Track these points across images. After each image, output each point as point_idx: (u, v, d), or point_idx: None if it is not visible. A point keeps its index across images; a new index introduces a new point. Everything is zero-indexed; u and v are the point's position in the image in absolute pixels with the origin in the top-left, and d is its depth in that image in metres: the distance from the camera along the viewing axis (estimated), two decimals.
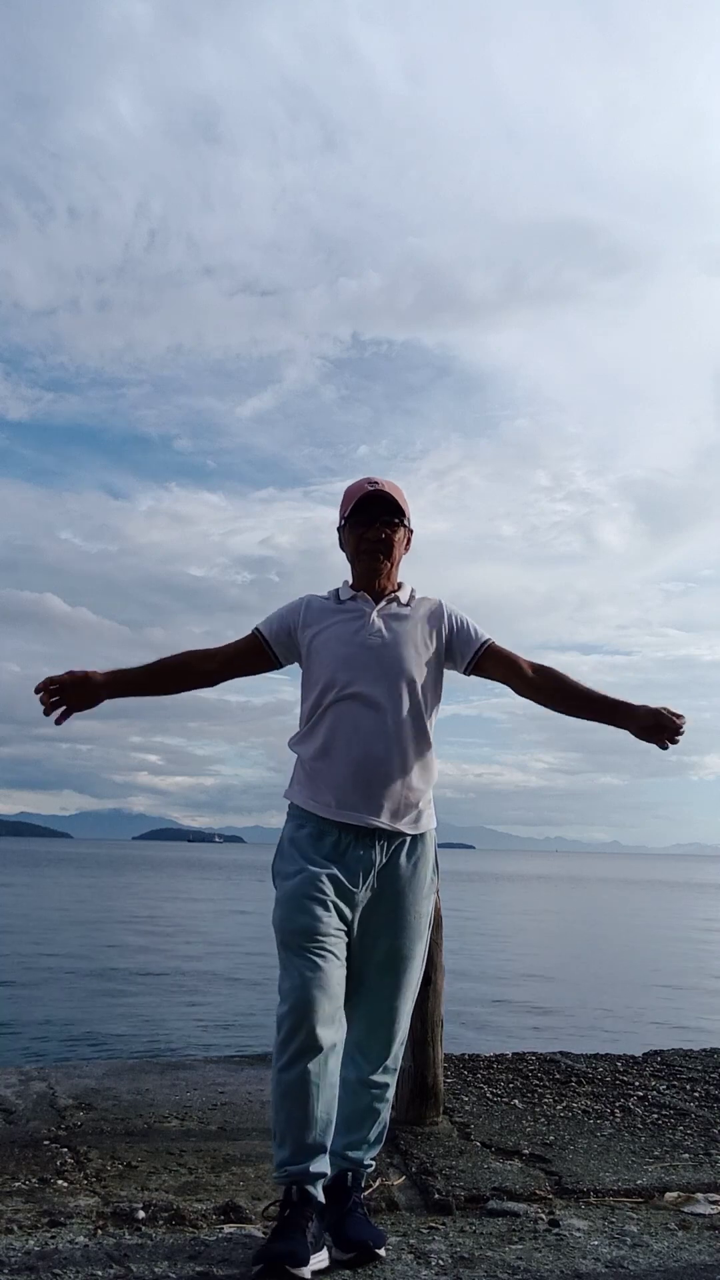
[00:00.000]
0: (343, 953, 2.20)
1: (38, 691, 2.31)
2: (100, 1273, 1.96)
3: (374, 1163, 2.39)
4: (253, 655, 2.44)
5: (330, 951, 2.15)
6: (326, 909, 2.17)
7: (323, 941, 2.14)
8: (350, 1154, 2.28)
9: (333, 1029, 2.12)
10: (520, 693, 2.42)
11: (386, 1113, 2.34)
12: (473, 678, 2.47)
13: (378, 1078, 2.30)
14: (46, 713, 2.32)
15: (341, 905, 2.20)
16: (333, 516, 2.49)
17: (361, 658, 2.30)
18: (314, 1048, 2.07)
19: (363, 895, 2.24)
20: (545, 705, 2.44)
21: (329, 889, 2.18)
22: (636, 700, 2.33)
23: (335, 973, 2.15)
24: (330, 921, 2.17)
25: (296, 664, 2.45)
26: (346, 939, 2.22)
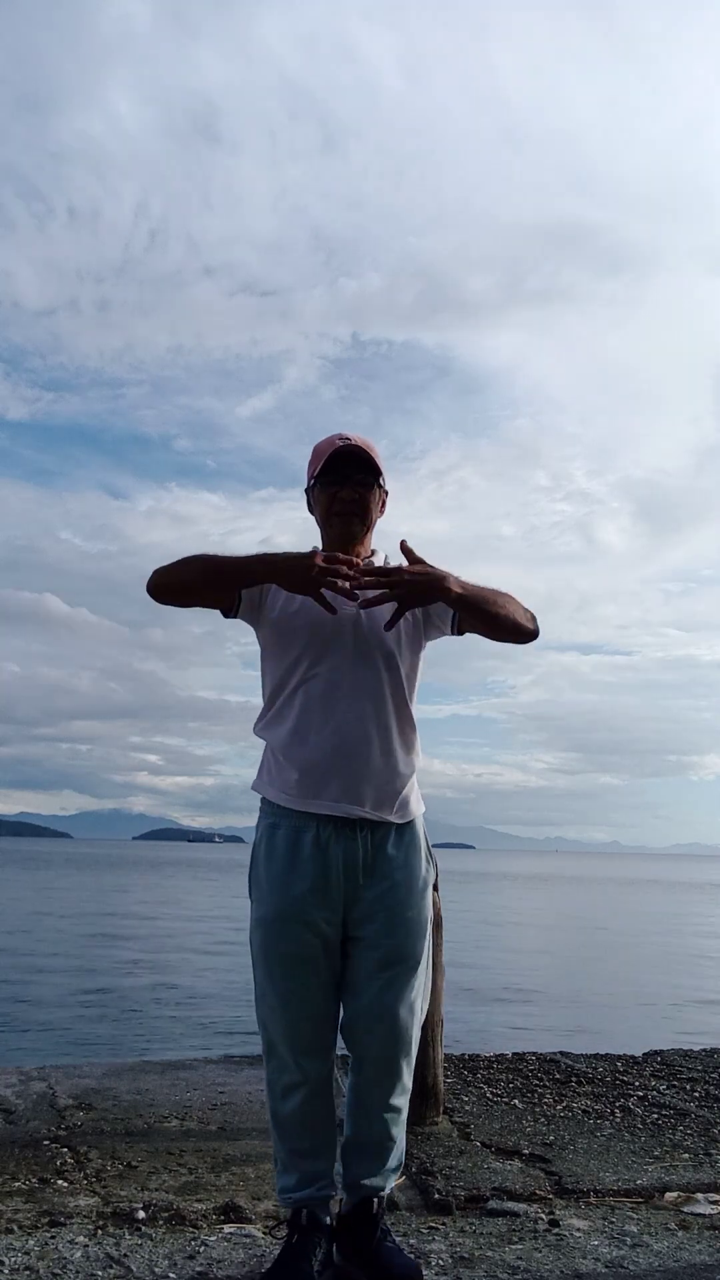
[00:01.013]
0: (330, 974, 2.04)
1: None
2: (100, 1273, 1.97)
3: (394, 1188, 2.21)
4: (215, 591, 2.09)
5: (315, 976, 2.01)
6: (311, 930, 2.00)
7: (307, 967, 2.00)
8: (367, 1182, 2.06)
9: (322, 1056, 2.05)
10: (492, 637, 2.10)
11: (403, 1137, 2.12)
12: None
13: (392, 1100, 2.07)
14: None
15: (329, 916, 2.01)
16: None
17: (337, 630, 2.05)
18: (303, 1082, 2.01)
19: (350, 898, 2.02)
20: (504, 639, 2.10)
21: (313, 903, 1.99)
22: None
23: (320, 999, 2.03)
24: (315, 944, 2.01)
25: (250, 629, 2.17)
26: (336, 955, 2.05)
